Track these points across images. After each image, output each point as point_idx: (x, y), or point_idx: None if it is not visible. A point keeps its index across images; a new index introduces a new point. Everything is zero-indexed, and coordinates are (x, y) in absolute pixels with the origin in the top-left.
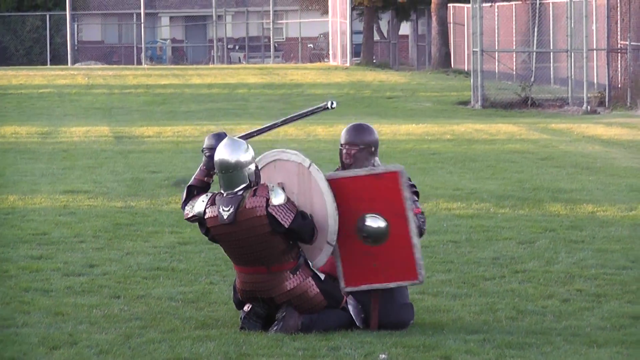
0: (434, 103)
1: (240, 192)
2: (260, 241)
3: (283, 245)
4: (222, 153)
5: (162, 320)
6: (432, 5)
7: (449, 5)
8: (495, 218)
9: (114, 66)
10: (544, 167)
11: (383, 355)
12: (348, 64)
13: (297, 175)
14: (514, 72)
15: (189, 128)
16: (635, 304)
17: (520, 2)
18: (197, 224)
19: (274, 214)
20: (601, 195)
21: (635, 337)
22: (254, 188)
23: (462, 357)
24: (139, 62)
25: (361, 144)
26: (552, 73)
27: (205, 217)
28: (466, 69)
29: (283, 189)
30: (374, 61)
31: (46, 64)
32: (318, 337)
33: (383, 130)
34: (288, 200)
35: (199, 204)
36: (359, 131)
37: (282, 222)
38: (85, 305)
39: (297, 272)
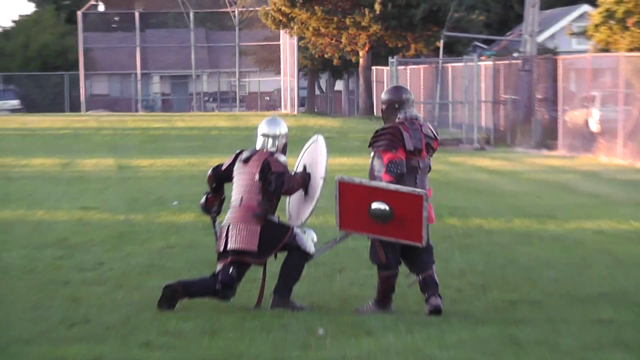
0: (361, 142)
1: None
2: (253, 183)
3: (264, 195)
4: (265, 125)
5: (154, 305)
6: (360, 68)
7: (372, 67)
8: None
9: (117, 113)
10: (444, 190)
11: (321, 330)
12: (296, 112)
13: (314, 149)
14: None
15: (174, 160)
16: (513, 292)
17: (427, 66)
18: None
19: (269, 160)
20: (487, 211)
21: (514, 317)
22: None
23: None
24: (136, 110)
25: (382, 103)
26: (450, 119)
27: (234, 160)
28: None
29: (305, 167)
30: (315, 110)
31: (65, 112)
32: (272, 313)
33: None
34: (286, 164)
35: (230, 159)
36: (385, 92)
37: (273, 168)
38: (96, 293)
39: (257, 216)
